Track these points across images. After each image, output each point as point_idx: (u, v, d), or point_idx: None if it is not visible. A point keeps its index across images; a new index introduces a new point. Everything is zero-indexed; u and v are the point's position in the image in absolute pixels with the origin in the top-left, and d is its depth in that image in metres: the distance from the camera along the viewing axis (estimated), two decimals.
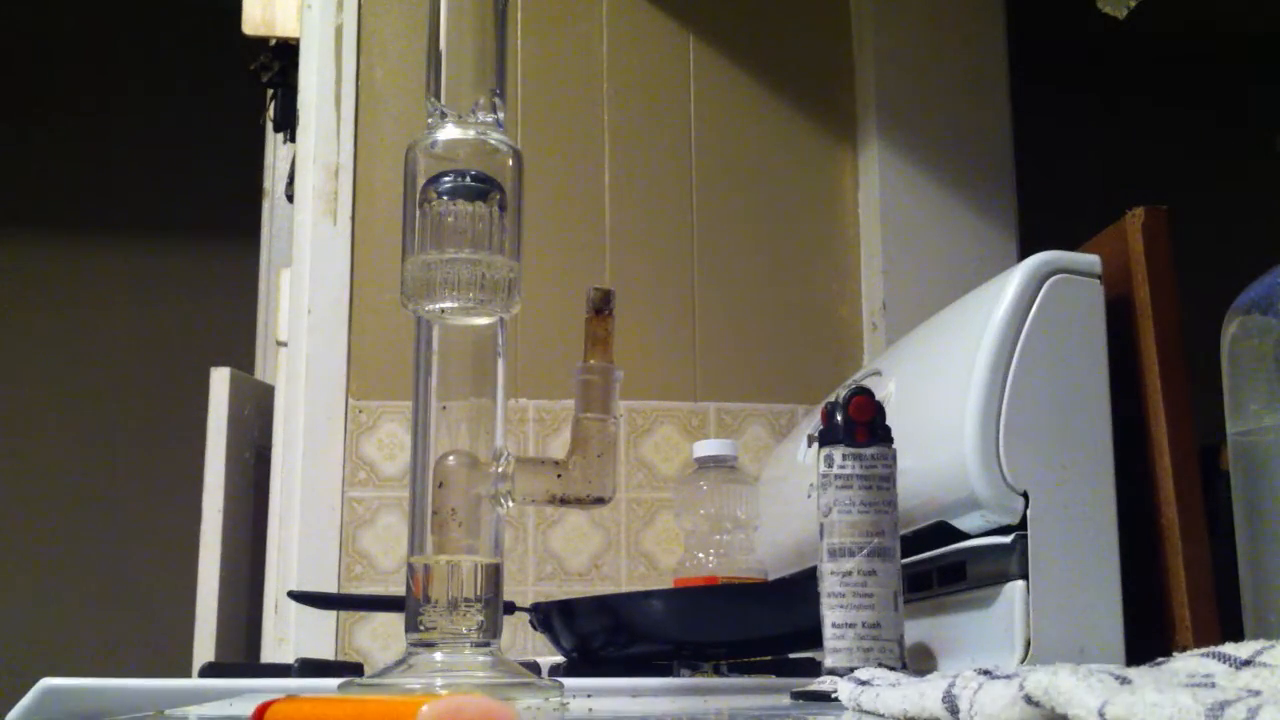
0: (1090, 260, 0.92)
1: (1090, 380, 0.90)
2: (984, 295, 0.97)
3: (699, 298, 1.78)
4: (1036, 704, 0.37)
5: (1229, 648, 0.41)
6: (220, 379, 1.80)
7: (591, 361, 0.75)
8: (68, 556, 3.14)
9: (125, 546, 3.15)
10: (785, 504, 1.28)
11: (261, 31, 1.99)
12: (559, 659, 1.13)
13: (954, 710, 0.42)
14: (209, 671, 1.07)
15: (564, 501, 0.73)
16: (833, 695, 0.58)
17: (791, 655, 1.11)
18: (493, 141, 0.71)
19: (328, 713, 0.39)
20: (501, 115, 0.72)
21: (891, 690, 0.49)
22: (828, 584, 0.75)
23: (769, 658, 1.12)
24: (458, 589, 0.68)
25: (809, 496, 1.12)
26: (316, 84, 1.68)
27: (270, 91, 2.13)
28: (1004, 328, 0.89)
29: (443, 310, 0.69)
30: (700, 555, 1.36)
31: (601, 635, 1.10)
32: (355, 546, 1.66)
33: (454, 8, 0.72)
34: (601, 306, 0.75)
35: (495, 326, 0.70)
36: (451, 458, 0.69)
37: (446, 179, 0.70)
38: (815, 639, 0.77)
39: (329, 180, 1.63)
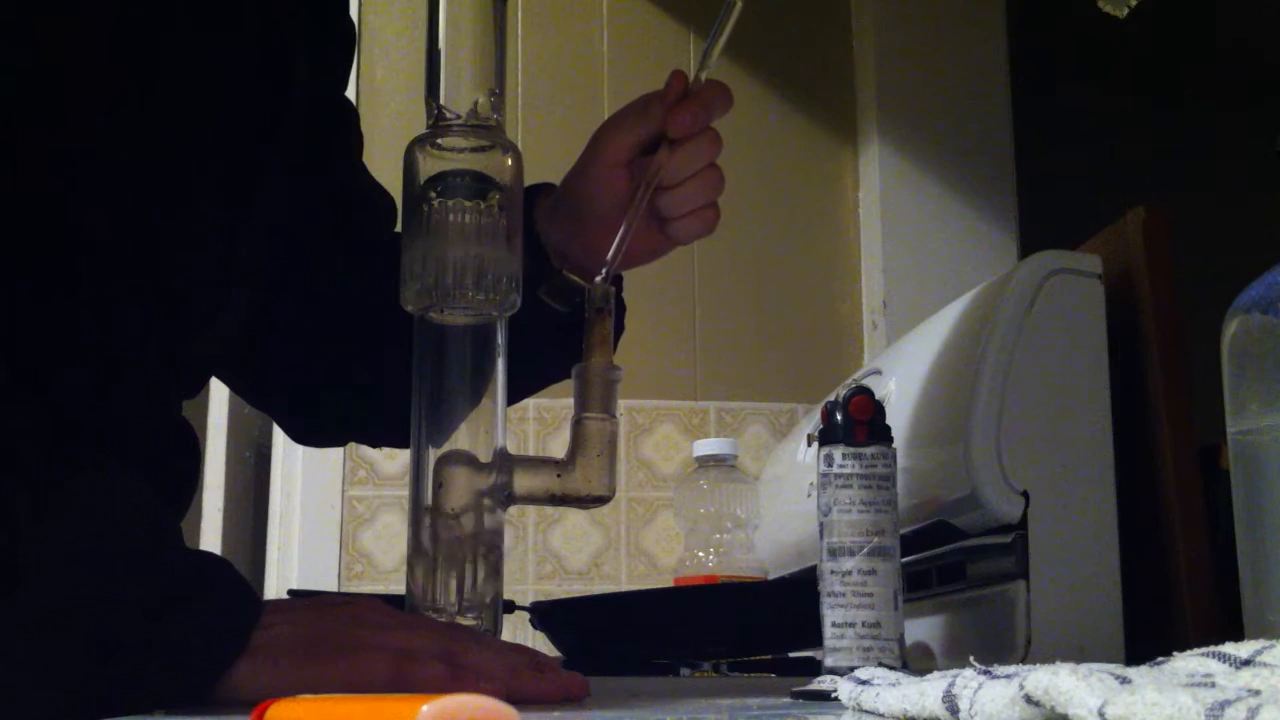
0: (1090, 260, 0.92)
1: (1090, 380, 0.90)
2: (984, 295, 0.97)
3: (699, 297, 1.78)
4: (1036, 704, 0.37)
5: (1229, 648, 0.41)
6: None
7: (591, 361, 0.74)
8: None
9: None
10: (785, 503, 1.28)
11: None
12: (559, 658, 1.13)
13: (954, 710, 0.42)
14: None
15: (564, 501, 0.73)
16: (833, 695, 0.58)
17: (791, 655, 1.11)
18: (492, 141, 0.70)
19: (328, 712, 0.39)
20: (501, 115, 0.72)
21: (891, 690, 0.49)
22: (827, 583, 0.75)
23: (769, 657, 1.12)
24: (458, 588, 0.68)
25: (809, 496, 1.12)
26: None
27: None
28: (1004, 327, 0.89)
29: (443, 310, 0.69)
30: (700, 554, 1.36)
31: (601, 634, 1.10)
32: (355, 545, 1.66)
33: (453, 7, 0.72)
34: (602, 306, 0.75)
35: (495, 326, 0.70)
36: (451, 457, 0.69)
37: (446, 178, 0.70)
38: (815, 638, 0.77)
39: None
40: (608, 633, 1.10)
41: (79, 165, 0.67)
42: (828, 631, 0.74)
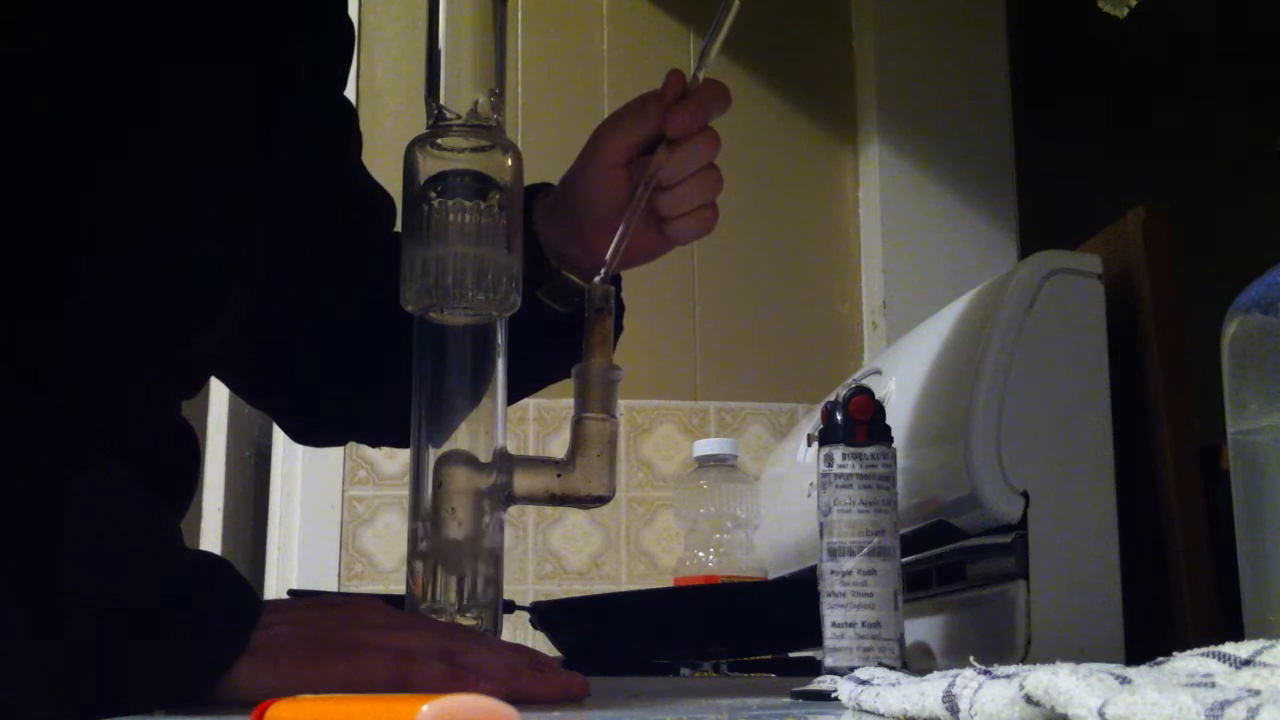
0: (1091, 260, 0.92)
1: (1090, 380, 0.90)
2: (984, 295, 0.97)
3: (699, 297, 1.78)
4: (1036, 704, 0.37)
5: (1229, 648, 0.41)
6: None
7: (591, 361, 0.74)
8: None
9: None
10: (785, 503, 1.28)
11: None
12: (559, 658, 1.13)
13: (954, 710, 0.42)
14: None
15: (564, 500, 0.73)
16: (833, 695, 0.58)
17: (791, 655, 1.11)
18: (492, 141, 0.70)
19: (328, 712, 0.39)
20: (501, 115, 0.72)
21: (891, 690, 0.49)
22: (827, 583, 0.75)
23: (769, 657, 1.12)
24: (458, 588, 0.68)
25: (809, 496, 1.12)
26: None
27: None
28: (1005, 327, 0.89)
29: (443, 310, 0.69)
30: (700, 554, 1.36)
31: (601, 634, 1.10)
32: (355, 545, 1.66)
33: (453, 7, 0.72)
34: (601, 306, 0.75)
35: (495, 326, 0.70)
36: (451, 457, 0.69)
37: (446, 178, 0.70)
38: (815, 638, 0.77)
39: None
40: (608, 633, 1.10)
41: (79, 165, 0.67)
42: (828, 631, 0.74)
